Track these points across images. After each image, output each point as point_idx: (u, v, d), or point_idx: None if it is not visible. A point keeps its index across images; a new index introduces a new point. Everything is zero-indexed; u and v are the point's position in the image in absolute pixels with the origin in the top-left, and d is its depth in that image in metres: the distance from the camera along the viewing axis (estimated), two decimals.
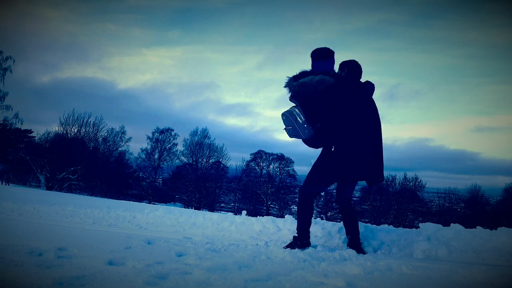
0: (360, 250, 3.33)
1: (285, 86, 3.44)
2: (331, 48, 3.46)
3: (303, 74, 3.37)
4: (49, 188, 30.23)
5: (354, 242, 3.39)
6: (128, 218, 5.75)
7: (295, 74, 3.41)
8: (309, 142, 3.43)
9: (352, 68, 3.46)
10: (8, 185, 29.27)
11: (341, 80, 3.33)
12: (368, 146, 3.29)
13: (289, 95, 3.41)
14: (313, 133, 3.29)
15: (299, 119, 3.27)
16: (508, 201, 34.55)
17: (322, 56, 3.38)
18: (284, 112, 3.39)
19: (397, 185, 39.26)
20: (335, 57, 3.44)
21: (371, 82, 3.46)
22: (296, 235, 3.43)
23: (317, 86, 3.21)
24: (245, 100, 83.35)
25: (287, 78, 3.42)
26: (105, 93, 60.92)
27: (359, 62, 3.52)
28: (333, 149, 3.33)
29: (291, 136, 3.39)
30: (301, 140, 3.44)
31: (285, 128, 3.41)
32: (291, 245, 3.32)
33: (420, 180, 38.62)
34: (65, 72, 68.15)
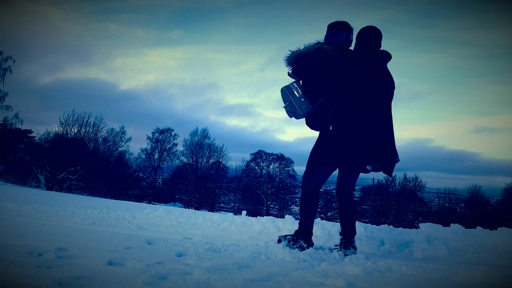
0: (347, 245, 3.04)
1: (285, 60, 3.16)
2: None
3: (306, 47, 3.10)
4: (49, 188, 30.22)
5: (345, 236, 3.10)
6: (128, 218, 5.74)
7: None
8: (308, 120, 3.17)
9: (361, 36, 3.10)
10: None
11: (346, 50, 3.07)
12: (376, 124, 2.95)
13: (289, 70, 3.15)
14: (311, 110, 3.03)
15: (296, 93, 3.03)
16: (508, 201, 34.57)
17: (334, 27, 3.11)
18: (283, 87, 3.14)
19: (397, 185, 39.31)
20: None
21: (384, 51, 3.10)
22: (298, 230, 3.17)
23: (314, 55, 2.96)
24: (247, 100, 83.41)
25: (289, 52, 3.15)
26: (107, 94, 61.05)
27: (376, 28, 3.11)
28: (331, 128, 3.02)
29: (289, 113, 3.13)
30: (299, 120, 3.16)
31: (284, 106, 3.15)
32: (293, 241, 3.05)
33: (420, 181, 38.71)
34: (68, 73, 68.28)
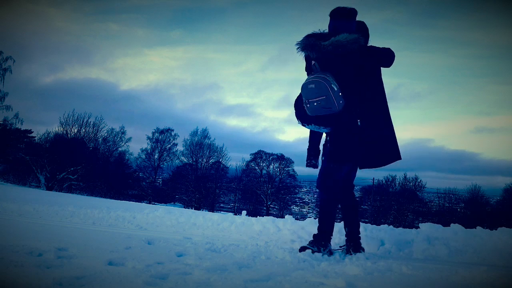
0: (358, 247, 2.99)
1: (304, 48, 2.78)
2: None
3: (322, 35, 2.81)
4: (49, 188, 30.22)
5: (353, 238, 3.03)
6: (128, 218, 5.74)
7: (309, 34, 2.84)
8: (326, 117, 2.81)
9: (365, 29, 2.94)
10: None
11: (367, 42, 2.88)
12: (390, 120, 2.86)
13: (313, 58, 2.77)
14: (344, 105, 2.72)
15: (334, 87, 2.65)
16: (508, 201, 34.56)
17: (347, 15, 2.84)
18: (313, 78, 2.70)
19: (397, 185, 39.27)
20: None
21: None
22: (317, 234, 2.95)
23: (351, 45, 2.66)
24: (247, 101, 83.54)
25: (302, 39, 2.80)
26: (108, 94, 61.11)
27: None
28: (359, 123, 2.81)
29: (322, 109, 2.72)
30: (311, 120, 2.84)
31: (309, 101, 2.75)
32: (314, 243, 2.85)
33: (420, 181, 38.67)
34: (68, 73, 68.40)
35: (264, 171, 41.81)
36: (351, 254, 2.91)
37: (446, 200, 38.84)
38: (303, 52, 2.85)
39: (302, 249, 2.86)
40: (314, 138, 3.15)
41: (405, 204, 36.66)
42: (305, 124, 2.93)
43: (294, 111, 2.99)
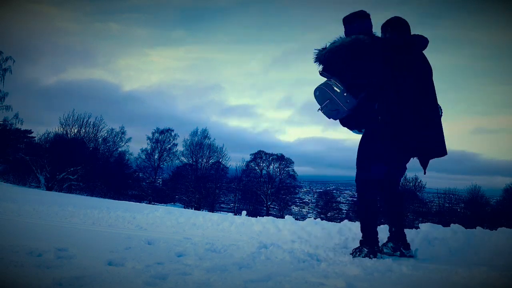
0: (407, 245, 2.92)
1: (315, 60, 2.93)
2: None
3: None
4: (49, 188, 30.21)
5: (400, 236, 2.93)
6: (128, 218, 5.75)
7: (323, 46, 2.95)
8: (347, 118, 2.92)
9: (396, 25, 2.97)
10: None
11: (381, 39, 2.92)
12: (426, 113, 2.81)
13: (320, 68, 2.92)
14: (356, 103, 2.79)
15: (336, 89, 2.78)
16: (508, 201, 34.54)
17: (355, 19, 2.94)
18: (317, 86, 2.89)
19: None
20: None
21: (421, 36, 2.92)
22: (362, 239, 2.87)
23: (351, 46, 2.76)
24: (249, 101, 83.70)
25: (316, 51, 2.93)
26: (111, 95, 61.19)
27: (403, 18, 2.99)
28: (379, 118, 2.81)
29: (330, 112, 2.87)
30: (338, 121, 2.94)
31: (320, 108, 2.90)
32: (359, 251, 2.78)
33: (420, 181, 38.61)
34: (71, 74, 68.48)
35: (264, 171, 41.81)
36: (405, 252, 2.91)
37: (446, 200, 38.83)
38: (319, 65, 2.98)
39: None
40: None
41: (405, 205, 36.64)
42: (351, 129, 3.09)
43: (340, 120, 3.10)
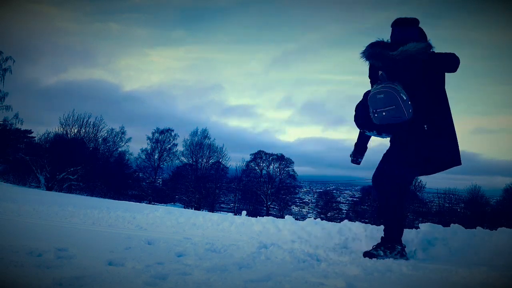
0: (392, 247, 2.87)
1: (369, 57, 2.84)
2: None
3: (387, 44, 2.83)
4: (49, 188, 30.21)
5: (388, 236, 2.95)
6: (128, 218, 5.75)
7: (372, 42, 2.87)
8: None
9: (424, 36, 2.92)
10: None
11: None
12: (439, 122, 2.81)
13: (379, 67, 2.81)
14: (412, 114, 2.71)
15: (403, 96, 2.66)
16: (508, 201, 34.56)
17: (410, 23, 2.87)
18: (382, 88, 2.73)
19: None
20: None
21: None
22: (390, 237, 2.87)
23: (420, 54, 2.69)
24: (249, 101, 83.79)
25: (366, 48, 2.85)
26: (111, 95, 61.17)
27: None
28: (426, 128, 2.76)
29: (391, 119, 2.74)
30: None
31: (377, 111, 2.77)
32: (389, 249, 2.77)
33: (420, 181, 38.62)
34: (71, 75, 68.53)
35: (264, 171, 41.83)
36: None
37: (446, 201, 38.84)
38: (367, 61, 2.90)
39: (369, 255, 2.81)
40: (364, 136, 3.19)
41: (401, 204, 36.60)
42: (366, 131, 3.02)
43: (355, 117, 3.03)
